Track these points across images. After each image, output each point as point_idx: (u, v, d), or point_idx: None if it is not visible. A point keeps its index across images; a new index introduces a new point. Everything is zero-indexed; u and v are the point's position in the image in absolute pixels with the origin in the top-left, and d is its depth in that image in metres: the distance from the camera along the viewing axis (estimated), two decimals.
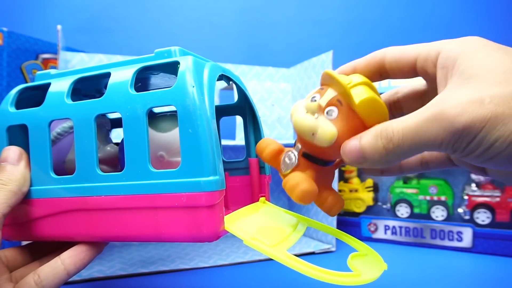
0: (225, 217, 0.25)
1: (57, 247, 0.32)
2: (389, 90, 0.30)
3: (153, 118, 0.31)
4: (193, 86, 0.24)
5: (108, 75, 0.28)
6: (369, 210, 0.63)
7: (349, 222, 0.64)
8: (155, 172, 0.25)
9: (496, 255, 0.53)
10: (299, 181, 0.24)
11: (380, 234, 0.61)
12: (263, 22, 0.87)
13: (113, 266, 0.46)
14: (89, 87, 0.34)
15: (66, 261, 0.27)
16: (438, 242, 0.57)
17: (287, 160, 0.26)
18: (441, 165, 0.29)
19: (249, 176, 0.36)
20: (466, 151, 0.20)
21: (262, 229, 0.27)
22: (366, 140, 0.22)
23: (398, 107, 0.29)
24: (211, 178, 0.24)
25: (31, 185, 0.29)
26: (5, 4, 0.82)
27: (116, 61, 0.29)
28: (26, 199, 0.29)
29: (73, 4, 0.83)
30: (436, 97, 0.21)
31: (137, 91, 0.26)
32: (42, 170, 0.29)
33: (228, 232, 0.25)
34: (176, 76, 0.25)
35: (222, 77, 0.31)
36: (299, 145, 0.26)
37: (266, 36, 0.87)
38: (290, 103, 0.68)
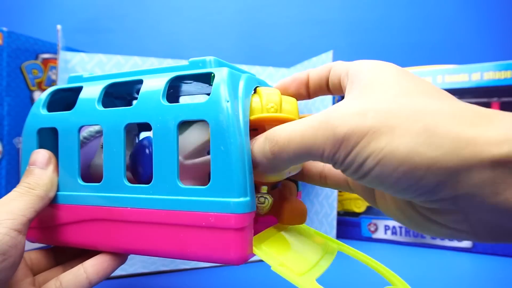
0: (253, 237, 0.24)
1: (82, 252, 0.31)
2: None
3: None
4: (228, 101, 0.23)
5: (140, 81, 0.27)
6: (369, 210, 0.63)
7: (349, 222, 0.64)
8: (183, 188, 0.24)
9: (496, 255, 0.53)
10: (302, 207, 0.28)
11: (380, 234, 0.61)
12: (263, 22, 0.87)
13: None
14: (120, 90, 0.34)
15: (89, 269, 0.27)
16: (438, 242, 0.57)
17: (260, 201, 0.26)
18: (337, 184, 0.29)
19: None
20: (344, 165, 0.20)
21: (290, 253, 0.26)
22: (257, 144, 0.23)
23: None
24: (241, 199, 0.23)
25: (57, 190, 0.28)
26: (5, 4, 0.82)
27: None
28: (52, 203, 0.28)
29: (73, 4, 0.83)
30: (329, 107, 0.22)
31: (169, 97, 0.25)
32: (70, 175, 0.28)
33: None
34: (209, 84, 0.24)
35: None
36: (265, 187, 0.26)
37: (266, 36, 0.87)
38: None
